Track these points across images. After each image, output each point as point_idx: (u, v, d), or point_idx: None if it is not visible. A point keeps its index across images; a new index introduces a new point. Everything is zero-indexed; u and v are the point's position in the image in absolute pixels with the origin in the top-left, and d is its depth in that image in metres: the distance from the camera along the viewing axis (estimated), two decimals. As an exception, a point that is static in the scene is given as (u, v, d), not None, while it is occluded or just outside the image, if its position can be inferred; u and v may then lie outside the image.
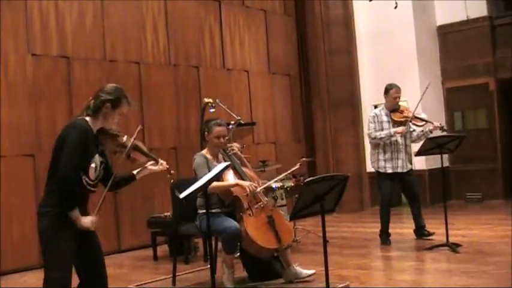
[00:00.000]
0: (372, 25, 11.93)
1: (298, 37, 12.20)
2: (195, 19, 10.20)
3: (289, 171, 6.25)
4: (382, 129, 7.43)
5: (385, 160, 7.44)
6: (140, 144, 3.94)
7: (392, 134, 7.33)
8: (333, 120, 11.71)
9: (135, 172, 3.98)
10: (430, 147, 6.91)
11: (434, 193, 10.94)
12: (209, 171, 5.31)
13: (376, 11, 11.60)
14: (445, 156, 11.08)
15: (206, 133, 5.62)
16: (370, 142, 7.67)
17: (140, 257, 8.18)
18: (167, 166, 4.04)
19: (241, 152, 7.50)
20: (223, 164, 4.55)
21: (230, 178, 5.43)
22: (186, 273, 6.18)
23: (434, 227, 7.53)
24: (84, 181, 3.54)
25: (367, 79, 11.88)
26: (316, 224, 9.97)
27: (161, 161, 4.01)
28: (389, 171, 7.42)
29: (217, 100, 7.17)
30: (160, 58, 9.60)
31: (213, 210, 5.36)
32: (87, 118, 3.60)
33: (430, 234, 7.51)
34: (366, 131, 7.70)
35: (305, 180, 4.46)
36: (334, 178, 4.54)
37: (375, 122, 7.53)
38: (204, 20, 10.36)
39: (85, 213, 3.65)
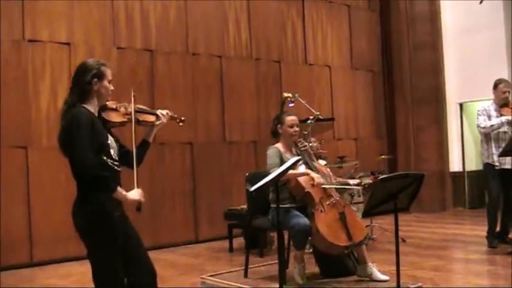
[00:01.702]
0: (459, 20, 11.55)
1: (382, 32, 12.02)
2: (277, 14, 10.23)
3: (349, 182, 6.19)
4: None
5: (496, 154, 7.14)
6: (142, 106, 3.87)
7: (504, 121, 7.07)
8: (415, 117, 11.46)
9: (144, 136, 3.88)
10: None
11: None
12: (282, 163, 5.33)
13: (464, 6, 11.24)
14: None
15: (279, 126, 5.61)
16: (480, 133, 7.40)
17: (216, 248, 8.29)
18: (172, 114, 3.94)
19: (318, 148, 7.52)
20: (294, 158, 4.54)
21: (303, 171, 5.41)
22: (258, 266, 6.20)
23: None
24: (110, 163, 3.46)
25: (452, 76, 11.53)
26: (390, 222, 9.82)
27: (163, 112, 3.88)
28: (497, 166, 7.15)
29: (296, 95, 7.14)
30: (241, 52, 9.68)
31: (285, 205, 5.35)
32: (83, 105, 3.49)
33: (511, 243, 7.19)
34: (476, 122, 7.37)
35: (379, 178, 4.37)
36: (409, 176, 4.43)
37: (484, 115, 7.30)
38: (286, 14, 10.37)
39: None
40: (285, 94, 7.16)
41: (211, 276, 5.80)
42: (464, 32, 11.41)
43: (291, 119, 5.60)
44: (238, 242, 8.21)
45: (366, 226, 8.02)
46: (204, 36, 9.22)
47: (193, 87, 9.03)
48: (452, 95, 11.59)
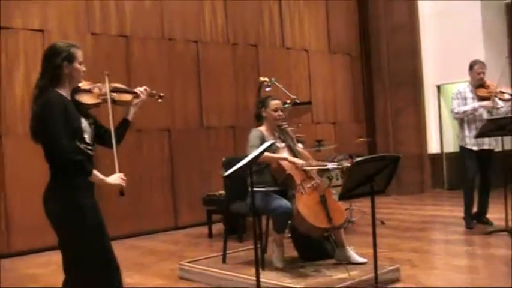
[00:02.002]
0: (436, 2, 11.56)
1: (359, 16, 11.99)
2: (254, -3, 10.16)
3: (328, 166, 6.19)
4: (466, 106, 7.22)
5: (471, 137, 7.18)
6: (116, 84, 3.79)
7: (477, 107, 7.11)
8: (394, 100, 11.50)
9: (125, 116, 3.79)
10: (491, 128, 6.64)
11: (497, 176, 10.56)
12: (266, 145, 5.38)
13: (441, -13, 11.26)
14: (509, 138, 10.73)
15: (263, 109, 5.59)
16: (454, 118, 7.44)
17: (196, 234, 8.28)
18: (151, 91, 3.90)
19: (295, 132, 7.50)
20: (270, 141, 4.51)
21: (285, 154, 5.40)
22: (237, 251, 6.18)
23: (497, 211, 7.26)
24: (83, 148, 3.39)
25: (430, 58, 11.56)
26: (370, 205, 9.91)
27: (142, 90, 3.83)
28: (475, 148, 7.19)
29: (273, 79, 7.14)
30: (218, 37, 9.62)
31: (265, 189, 5.34)
32: (55, 89, 3.40)
33: (489, 223, 7.27)
34: (450, 107, 7.44)
35: (355, 160, 4.36)
36: (385, 159, 4.42)
37: (458, 99, 7.32)
38: (263, -2, 10.31)
39: None
40: (262, 78, 7.14)
41: (189, 262, 5.76)
42: (441, 14, 11.45)
43: (275, 103, 5.59)
44: (218, 227, 8.20)
45: (345, 209, 8.05)
46: (180, 21, 9.14)
47: (170, 73, 8.95)
48: (430, 77, 11.63)
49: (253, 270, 5.19)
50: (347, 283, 4.71)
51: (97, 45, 8.26)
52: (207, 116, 9.34)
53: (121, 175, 3.48)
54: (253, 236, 6.03)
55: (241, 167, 4.05)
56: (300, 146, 7.32)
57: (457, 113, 7.29)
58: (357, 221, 8.00)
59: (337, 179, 7.66)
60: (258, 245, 5.47)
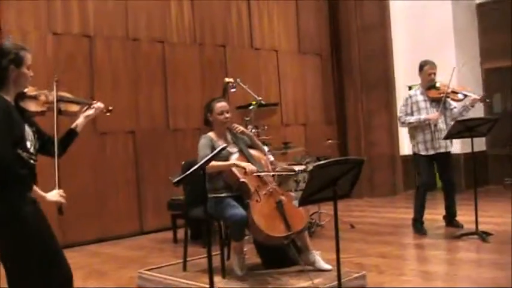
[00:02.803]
0: (407, 2, 11.46)
1: (329, 15, 11.83)
2: (222, -5, 9.95)
3: (294, 168, 6.00)
4: (418, 109, 7.05)
5: (425, 142, 7.02)
6: (65, 94, 3.64)
7: (422, 120, 6.97)
8: (365, 102, 11.38)
9: (73, 126, 3.65)
10: (460, 130, 6.52)
11: (469, 178, 10.49)
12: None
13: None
14: (482, 140, 10.67)
15: (209, 114, 5.37)
16: (400, 126, 7.31)
17: (161, 239, 8.06)
18: (102, 105, 3.75)
19: (261, 134, 7.32)
20: (219, 147, 4.29)
21: (234, 160, 5.18)
22: (200, 258, 5.95)
23: (467, 213, 7.16)
24: (26, 158, 3.20)
25: (401, 59, 11.44)
26: (343, 208, 9.71)
27: (94, 102, 3.72)
28: (431, 152, 7.02)
29: (238, 79, 6.95)
30: (185, 36, 9.39)
31: (221, 195, 5.15)
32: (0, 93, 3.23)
33: (459, 225, 7.15)
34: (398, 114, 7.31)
35: (315, 164, 4.18)
36: (349, 162, 4.24)
37: (406, 105, 7.17)
38: (231, -5, 10.10)
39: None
40: (227, 79, 6.95)
41: (148, 270, 5.55)
42: (412, 14, 11.35)
43: (220, 105, 5.35)
44: (184, 232, 7.96)
45: (314, 213, 7.89)
46: (145, 20, 8.89)
47: (135, 74, 8.70)
48: (401, 78, 11.50)
49: (214, 278, 5.03)
50: (309, 292, 4.53)
51: (59, 45, 7.98)
52: (173, 117, 9.11)
53: (60, 191, 3.31)
54: (218, 241, 5.88)
55: (188, 174, 3.84)
56: (265, 148, 7.16)
57: (402, 123, 7.19)
58: (326, 225, 7.83)
59: (305, 182, 7.47)
60: (218, 253, 5.31)
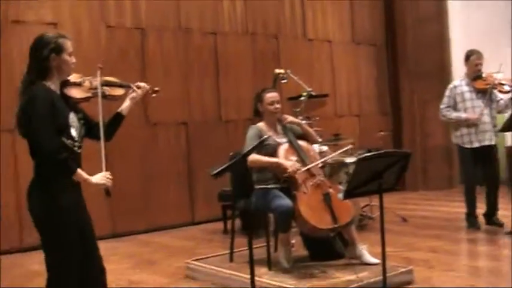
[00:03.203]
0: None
1: (384, 5, 11.61)
2: (274, -15, 9.88)
3: (339, 152, 5.88)
4: (463, 100, 6.83)
5: (469, 134, 6.82)
6: (109, 78, 3.62)
7: (463, 118, 6.77)
8: (420, 92, 11.12)
9: (119, 109, 3.63)
10: (516, 122, 6.28)
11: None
12: (265, 143, 5.12)
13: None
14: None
15: (259, 104, 5.35)
16: (440, 118, 7.11)
17: (211, 230, 8.11)
18: (147, 86, 3.72)
19: (311, 125, 7.24)
20: (260, 140, 4.23)
21: (281, 153, 5.14)
22: (246, 249, 5.93)
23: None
24: (69, 145, 3.24)
25: (458, 49, 11.11)
26: (397, 201, 9.60)
27: (139, 84, 3.69)
28: (476, 145, 6.81)
29: (288, 71, 6.91)
30: (237, 27, 9.39)
31: (269, 186, 5.12)
32: (43, 82, 3.25)
33: (499, 224, 6.87)
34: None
35: (359, 157, 4.10)
36: (394, 155, 4.16)
37: (450, 96, 6.95)
38: (283, -14, 10.03)
39: None
40: (277, 70, 6.92)
41: (195, 260, 5.58)
42: (470, 4, 11.01)
43: (270, 95, 5.31)
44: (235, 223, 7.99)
45: (365, 206, 7.79)
46: (197, 11, 8.92)
47: (187, 66, 8.76)
48: (459, 68, 11.18)
49: (260, 270, 5.03)
50: (354, 286, 4.46)
51: (112, 38, 8.12)
52: (225, 109, 9.15)
53: (107, 174, 3.30)
54: (270, 233, 5.87)
55: (227, 167, 3.82)
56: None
57: (443, 116, 6.97)
58: (377, 218, 7.69)
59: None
60: (264, 245, 5.30)
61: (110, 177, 3.30)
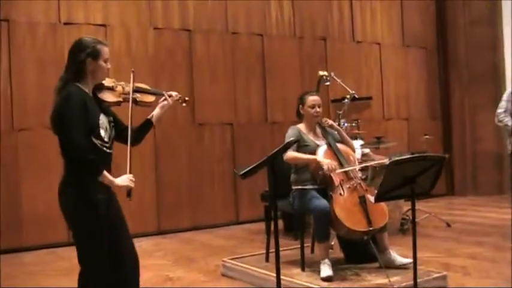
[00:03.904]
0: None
1: (436, 7, 11.46)
2: (322, -12, 9.89)
3: (373, 163, 5.86)
4: None
5: None
6: (141, 85, 3.74)
7: None
8: (471, 96, 10.94)
9: (149, 116, 3.77)
10: None
11: None
12: (303, 144, 5.27)
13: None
14: None
15: (301, 106, 5.41)
16: (496, 123, 6.96)
17: (254, 230, 8.19)
18: (179, 95, 3.84)
19: (354, 128, 7.25)
20: (287, 141, 4.29)
21: (320, 154, 5.17)
22: (285, 249, 5.98)
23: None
24: (99, 145, 3.34)
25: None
26: (444, 206, 9.48)
27: (170, 93, 3.79)
28: None
29: (332, 73, 6.93)
30: (284, 30, 9.45)
31: (306, 187, 5.17)
32: (77, 84, 3.37)
33: None
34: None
35: (390, 160, 4.09)
36: (428, 159, 4.12)
37: (508, 101, 6.80)
38: (332, -11, 10.03)
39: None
40: (320, 72, 6.93)
41: (232, 259, 5.67)
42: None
43: (312, 99, 5.36)
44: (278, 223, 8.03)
45: (408, 210, 7.70)
46: (244, 14, 9.03)
47: (233, 68, 8.88)
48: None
49: (293, 271, 5.09)
50: (383, 290, 4.47)
51: (159, 40, 8.30)
52: (271, 110, 9.22)
53: (130, 176, 3.42)
54: (310, 234, 5.90)
55: (256, 166, 3.87)
56: (359, 142, 7.10)
57: (500, 121, 6.80)
58: (420, 222, 7.64)
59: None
60: (299, 246, 5.33)
61: (133, 179, 3.42)
